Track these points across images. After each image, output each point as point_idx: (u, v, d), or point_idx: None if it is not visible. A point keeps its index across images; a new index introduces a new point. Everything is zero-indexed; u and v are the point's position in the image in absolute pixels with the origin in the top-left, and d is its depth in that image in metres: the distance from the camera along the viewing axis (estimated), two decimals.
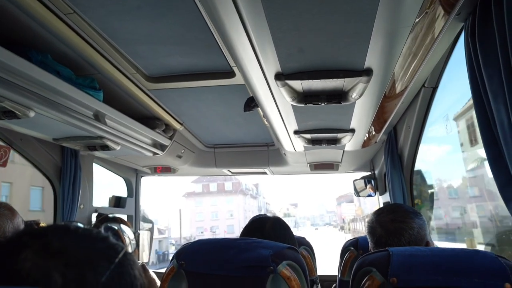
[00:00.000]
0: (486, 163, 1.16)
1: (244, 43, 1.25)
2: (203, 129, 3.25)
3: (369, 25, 1.11)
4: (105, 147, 2.52)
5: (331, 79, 1.44)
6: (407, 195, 2.67)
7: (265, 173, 4.08)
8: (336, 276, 2.29)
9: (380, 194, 3.57)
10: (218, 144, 3.70)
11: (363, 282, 1.08)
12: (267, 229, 1.61)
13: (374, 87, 1.56)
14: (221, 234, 54.44)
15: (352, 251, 2.09)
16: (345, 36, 1.17)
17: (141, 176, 4.16)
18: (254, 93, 1.76)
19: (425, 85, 1.99)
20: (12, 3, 1.44)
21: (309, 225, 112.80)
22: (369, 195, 3.79)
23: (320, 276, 2.60)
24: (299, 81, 1.47)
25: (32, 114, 1.79)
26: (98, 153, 2.92)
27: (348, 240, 2.25)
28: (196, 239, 1.51)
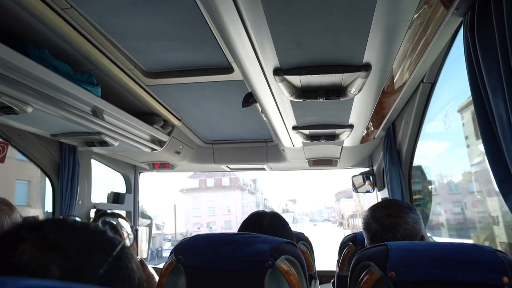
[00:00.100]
0: None
1: (243, 38, 1.24)
2: (202, 125, 3.25)
3: (367, 20, 1.11)
4: (103, 143, 2.52)
5: (329, 74, 1.43)
6: (406, 191, 2.67)
7: (263, 169, 4.08)
8: (334, 271, 2.30)
9: (379, 190, 3.57)
10: (217, 140, 3.70)
11: (361, 276, 1.09)
12: (265, 224, 1.61)
13: (373, 82, 1.56)
14: (218, 230, 53.68)
15: (351, 246, 2.10)
16: (344, 30, 1.17)
17: (140, 172, 4.16)
18: (252, 89, 1.76)
19: (424, 81, 1.99)
20: None
21: (307, 221, 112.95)
22: (368, 191, 3.80)
23: (318, 271, 2.60)
24: (297, 76, 1.47)
25: (29, 109, 1.79)
26: (96, 149, 2.92)
27: (347, 236, 2.25)
28: (193, 235, 1.51)
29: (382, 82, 1.62)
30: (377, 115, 2.31)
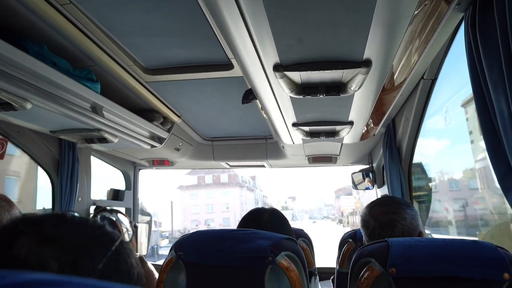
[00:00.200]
0: None
1: (243, 34, 1.24)
2: (201, 122, 3.24)
3: (368, 15, 1.10)
4: (103, 140, 2.51)
5: (330, 71, 1.43)
6: (405, 188, 2.67)
7: (263, 166, 4.08)
8: (334, 268, 2.30)
9: (378, 187, 3.57)
10: (216, 137, 3.69)
11: (362, 272, 1.09)
12: (264, 220, 1.61)
13: (373, 78, 1.56)
14: (216, 227, 53.13)
15: (351, 243, 2.10)
16: (345, 26, 1.17)
17: (139, 169, 4.15)
18: (252, 85, 1.75)
19: (424, 77, 1.98)
20: None
21: (307, 218, 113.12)
22: (367, 188, 3.80)
23: (318, 268, 2.61)
24: (297, 73, 1.46)
25: (29, 106, 1.78)
26: (95, 146, 2.91)
27: (347, 232, 2.25)
28: (191, 232, 1.51)
29: (382, 78, 1.61)
30: (377, 112, 2.30)
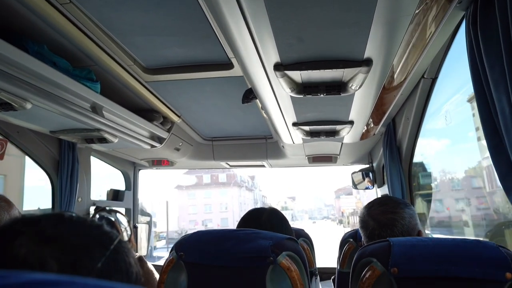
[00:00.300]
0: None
1: (243, 33, 1.23)
2: (201, 122, 3.24)
3: (369, 14, 1.10)
4: (103, 140, 2.51)
5: (330, 70, 1.43)
6: (406, 188, 2.67)
7: (263, 166, 4.08)
8: (334, 268, 2.30)
9: (378, 187, 3.57)
10: (216, 136, 3.69)
11: (363, 272, 1.08)
12: (263, 219, 1.61)
13: (374, 77, 1.55)
14: (214, 227, 52.63)
15: (351, 242, 2.10)
16: (345, 25, 1.16)
17: (139, 169, 4.15)
18: (252, 85, 1.75)
19: (425, 76, 1.98)
20: None
21: (307, 218, 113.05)
22: (367, 188, 3.80)
23: (318, 268, 2.61)
24: (298, 72, 1.46)
25: (28, 106, 1.78)
26: (95, 146, 2.91)
27: (347, 232, 2.25)
28: (188, 232, 1.51)
29: (383, 77, 1.61)
30: (377, 111, 2.30)
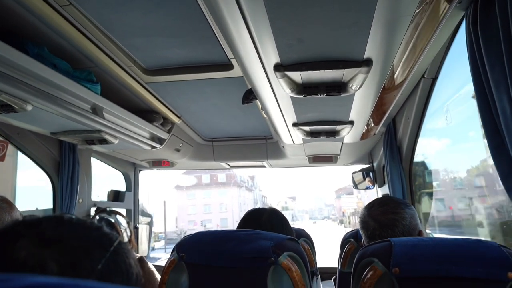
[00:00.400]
0: None
1: (243, 34, 1.23)
2: (201, 123, 3.24)
3: (369, 15, 1.10)
4: (103, 141, 2.51)
5: (330, 70, 1.43)
6: (406, 187, 2.67)
7: (263, 166, 4.08)
8: (335, 268, 2.30)
9: (379, 187, 3.57)
10: (216, 137, 3.69)
11: (365, 272, 1.08)
12: (264, 220, 1.61)
13: (374, 78, 1.55)
14: (213, 228, 51.69)
15: (352, 242, 2.10)
16: (345, 25, 1.16)
17: (140, 170, 4.15)
18: (252, 85, 1.75)
19: (425, 76, 1.98)
20: None
21: (307, 218, 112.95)
22: (368, 188, 3.80)
23: (319, 268, 2.61)
24: (298, 72, 1.46)
25: (29, 107, 1.78)
26: (96, 147, 2.91)
27: (348, 232, 2.25)
28: (187, 233, 1.51)
29: (383, 77, 1.61)
30: (377, 111, 2.30)
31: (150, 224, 4.31)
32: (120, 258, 0.56)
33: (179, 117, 2.98)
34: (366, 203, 1.60)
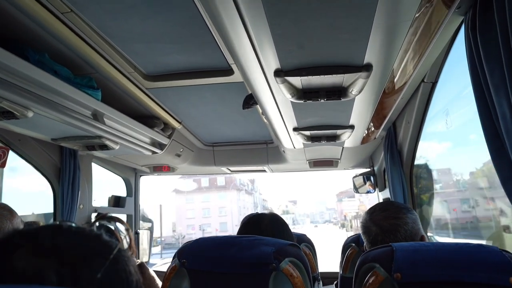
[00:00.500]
0: None
1: (243, 40, 1.24)
2: (202, 128, 3.24)
3: (369, 20, 1.10)
4: (104, 147, 2.52)
5: (330, 75, 1.43)
6: (407, 191, 2.67)
7: (264, 171, 4.08)
8: (337, 273, 2.29)
9: (380, 191, 3.57)
10: (217, 142, 3.69)
11: (366, 278, 1.08)
12: (264, 225, 1.61)
13: (374, 82, 1.56)
14: (212, 232, 51.56)
15: (354, 247, 2.09)
16: (345, 31, 1.17)
17: (140, 176, 4.15)
18: (253, 90, 1.75)
19: (425, 80, 1.99)
20: (8, 2, 1.43)
21: (308, 222, 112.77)
22: (369, 192, 3.80)
23: (321, 273, 2.60)
24: (298, 78, 1.46)
25: (30, 114, 1.78)
26: (97, 153, 2.91)
27: (350, 237, 2.25)
28: (186, 237, 1.50)
29: (383, 82, 1.62)
30: (377, 115, 2.30)
31: (151, 229, 4.31)
32: (120, 266, 0.56)
33: (179, 122, 2.98)
34: (369, 206, 1.59)
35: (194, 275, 1.34)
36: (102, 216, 2.67)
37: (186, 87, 2.30)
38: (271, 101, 1.79)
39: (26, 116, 1.78)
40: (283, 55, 1.31)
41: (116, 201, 3.74)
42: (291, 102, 1.72)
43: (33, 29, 1.62)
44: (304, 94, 1.60)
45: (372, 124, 2.49)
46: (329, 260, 5.16)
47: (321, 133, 2.34)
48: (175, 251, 1.46)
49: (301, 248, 1.39)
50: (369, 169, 3.76)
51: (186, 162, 3.62)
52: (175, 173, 4.04)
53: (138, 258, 3.86)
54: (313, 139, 2.43)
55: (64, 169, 2.85)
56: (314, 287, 1.96)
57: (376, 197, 3.76)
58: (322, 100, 1.64)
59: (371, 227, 1.45)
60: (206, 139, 3.60)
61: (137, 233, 3.97)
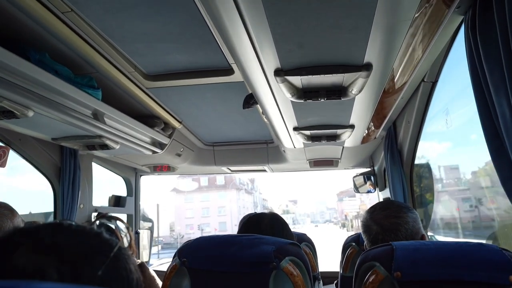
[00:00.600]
0: None
1: (244, 40, 1.24)
2: (202, 127, 3.25)
3: (369, 19, 1.10)
4: (104, 146, 2.52)
5: (330, 75, 1.43)
6: (407, 191, 2.67)
7: (264, 170, 4.08)
8: (337, 272, 2.30)
9: (380, 190, 3.57)
10: (217, 142, 3.70)
11: (366, 276, 1.08)
12: (264, 225, 1.61)
13: (374, 82, 1.56)
14: (212, 231, 50.66)
15: (354, 246, 2.09)
16: (345, 30, 1.17)
17: (141, 175, 4.15)
18: (253, 90, 1.76)
19: (425, 80, 1.99)
20: (9, 2, 1.44)
21: (309, 222, 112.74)
22: (369, 191, 3.80)
23: (321, 272, 2.60)
24: (298, 77, 1.46)
25: (31, 113, 1.79)
26: (97, 153, 2.91)
27: (350, 236, 2.25)
28: (185, 237, 1.50)
29: (383, 81, 1.62)
30: (378, 115, 2.30)
31: (151, 229, 4.31)
32: (120, 264, 0.56)
33: (180, 122, 2.99)
34: (369, 206, 1.59)
35: (195, 274, 1.34)
36: (102, 215, 2.67)
37: (186, 87, 2.30)
38: (271, 100, 1.79)
39: (26, 115, 1.78)
40: (283, 54, 1.31)
41: (117, 201, 3.74)
42: (291, 101, 1.72)
43: (33, 28, 1.62)
44: (304, 93, 1.61)
45: (372, 123, 2.49)
46: (329, 259, 5.16)
47: (321, 132, 2.34)
48: (173, 251, 1.46)
49: (302, 247, 1.39)
50: (369, 169, 3.76)
51: (186, 162, 3.62)
52: (175, 173, 4.04)
53: (139, 258, 3.87)
54: (313, 138, 2.43)
55: (65, 169, 2.85)
56: (314, 286, 1.96)
57: (377, 197, 3.76)
58: (322, 100, 1.64)
59: (371, 226, 1.45)
60: (206, 138, 3.60)
61: (137, 233, 3.97)
